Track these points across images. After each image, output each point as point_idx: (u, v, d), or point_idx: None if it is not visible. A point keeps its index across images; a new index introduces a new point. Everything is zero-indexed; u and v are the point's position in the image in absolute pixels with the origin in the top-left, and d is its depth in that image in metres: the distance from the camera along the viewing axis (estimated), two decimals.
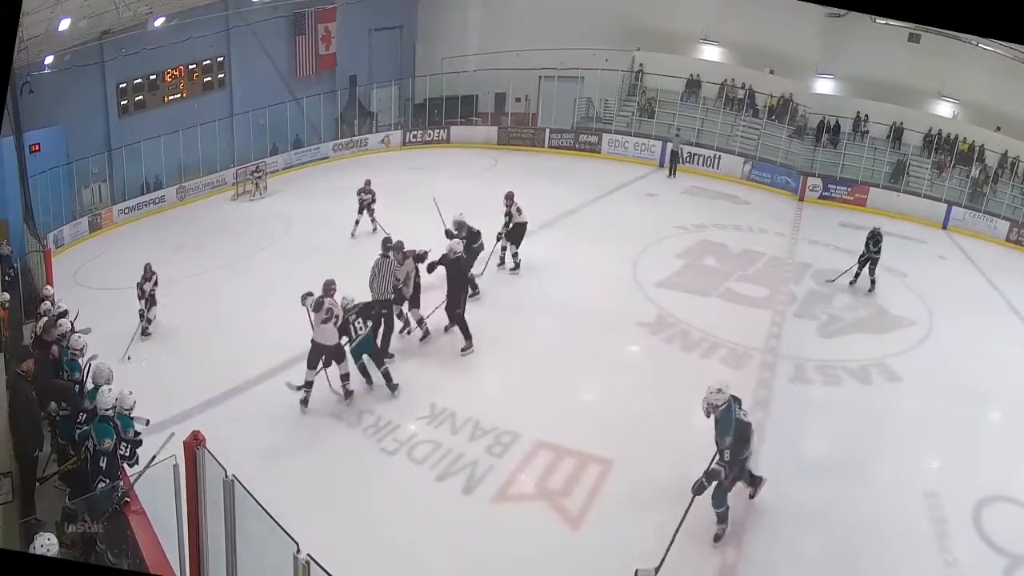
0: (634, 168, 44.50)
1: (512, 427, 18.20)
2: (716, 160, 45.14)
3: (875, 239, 28.58)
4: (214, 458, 10.00)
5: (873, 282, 28.66)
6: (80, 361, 15.38)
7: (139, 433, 13.01)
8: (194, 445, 10.11)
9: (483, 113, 53.45)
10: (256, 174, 42.54)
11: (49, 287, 21.90)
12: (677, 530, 14.54)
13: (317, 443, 18.05)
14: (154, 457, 11.32)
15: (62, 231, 36.29)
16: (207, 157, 43.63)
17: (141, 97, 42.09)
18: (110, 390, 12.62)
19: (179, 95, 43.63)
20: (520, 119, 52.65)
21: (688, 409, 19.85)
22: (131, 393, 13.14)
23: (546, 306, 25.25)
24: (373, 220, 32.52)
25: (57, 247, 34.20)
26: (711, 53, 49.25)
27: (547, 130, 50.38)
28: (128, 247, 34.39)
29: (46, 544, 9.89)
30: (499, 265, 27.43)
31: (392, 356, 20.85)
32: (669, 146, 45.71)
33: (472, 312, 24.38)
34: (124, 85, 41.15)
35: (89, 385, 14.53)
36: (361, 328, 19.33)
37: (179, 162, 42.51)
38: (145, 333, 24.70)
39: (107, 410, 12.44)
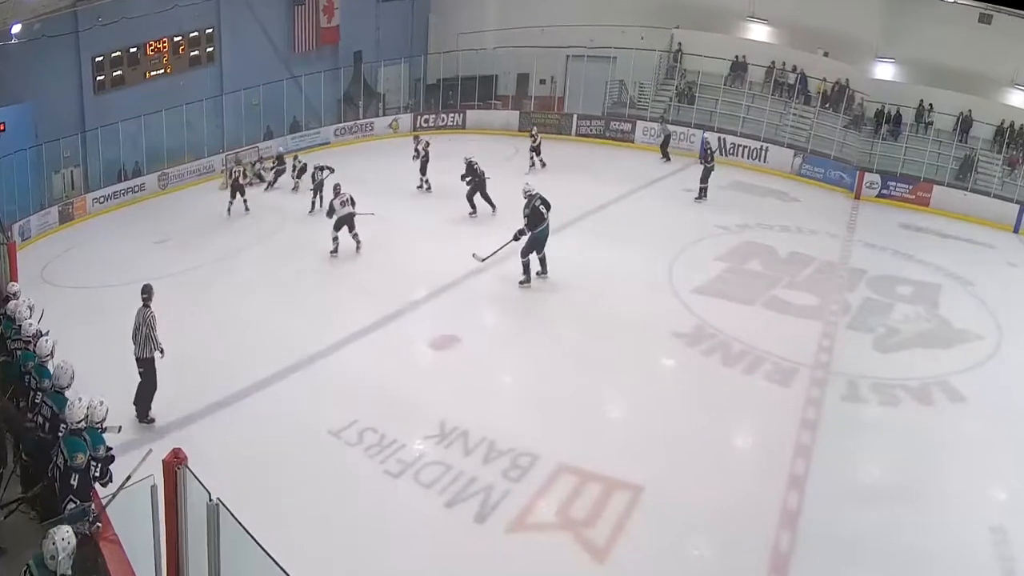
0: (671, 160, 44.33)
1: (531, 448, 18.14)
2: (763, 152, 45.18)
3: (709, 149, 36.48)
4: (196, 479, 9.86)
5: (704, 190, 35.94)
6: (49, 367, 15.30)
7: (111, 448, 12.60)
8: (174, 464, 10.02)
9: (503, 96, 53.56)
10: (274, 161, 42.48)
11: (14, 283, 21.63)
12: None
13: (313, 463, 17.88)
14: (129, 477, 10.97)
15: (29, 222, 35.91)
16: (193, 141, 43.47)
17: (120, 72, 41.83)
18: (80, 400, 12.38)
19: (162, 70, 43.46)
20: (544, 103, 52.82)
21: (728, 431, 19.91)
22: (101, 403, 12.73)
23: (571, 312, 25.37)
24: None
25: (23, 239, 33.74)
26: (759, 32, 49.37)
27: (574, 116, 50.49)
28: (103, 241, 34.51)
29: (66, 537, 9.84)
30: None
31: (153, 420, 19.39)
32: (658, 131, 46.32)
33: (489, 316, 24.70)
34: (101, 58, 40.88)
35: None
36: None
37: (161, 146, 42.18)
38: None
39: (78, 423, 12.18)
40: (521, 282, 27.23)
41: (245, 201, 37.06)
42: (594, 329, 24.29)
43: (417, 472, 17.49)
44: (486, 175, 34.15)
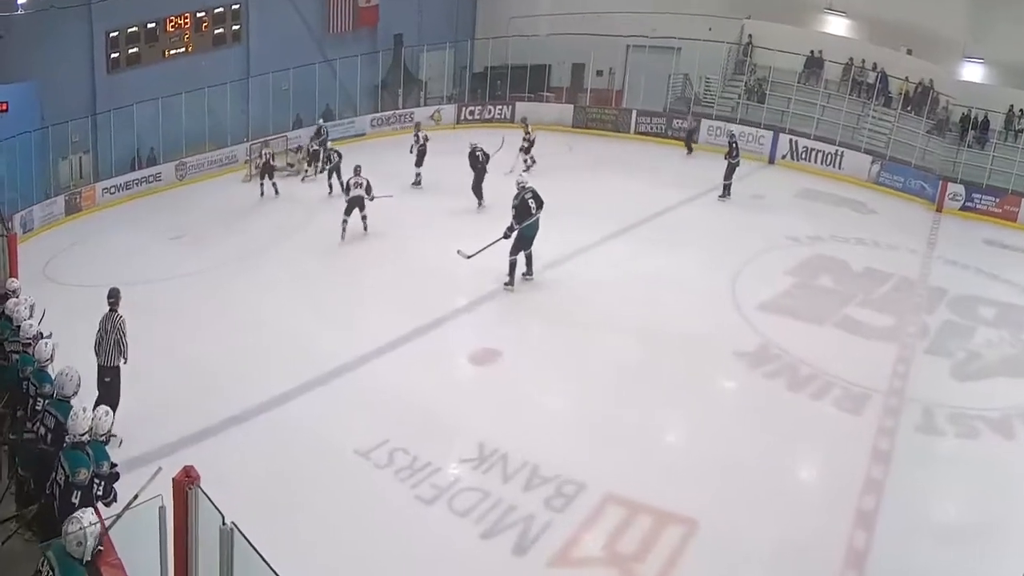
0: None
1: (577, 475, 17.92)
2: (838, 157, 44.74)
3: (734, 143, 36.99)
4: (209, 500, 9.77)
5: (728, 187, 36.49)
6: (50, 371, 15.13)
7: (115, 465, 12.53)
8: (185, 483, 9.90)
9: (557, 88, 53.60)
10: (314, 138, 42.36)
11: (14, 280, 21.29)
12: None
13: (337, 486, 17.70)
14: (135, 496, 10.76)
15: (31, 212, 35.82)
16: (215, 128, 43.50)
17: (136, 50, 41.79)
18: (84, 410, 12.23)
19: (183, 49, 43.50)
20: (601, 97, 52.70)
21: (793, 461, 19.67)
22: (107, 414, 12.61)
23: (624, 327, 25.11)
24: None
25: (25, 231, 33.76)
26: (836, 26, 49.26)
27: (633, 112, 50.27)
28: (112, 235, 34.51)
29: (93, 521, 9.67)
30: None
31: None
32: (686, 123, 47.02)
33: (534, 328, 25.12)
34: (115, 34, 40.82)
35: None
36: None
37: (180, 133, 41.97)
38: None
39: (82, 435, 12.02)
40: (505, 284, 27.61)
41: (275, 184, 38.15)
42: (649, 345, 24.16)
43: (451, 499, 17.29)
44: (488, 162, 35.47)
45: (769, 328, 25.59)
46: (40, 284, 27.11)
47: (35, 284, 25.34)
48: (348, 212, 31.51)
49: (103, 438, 12.42)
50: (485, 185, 35.27)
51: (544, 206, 27.37)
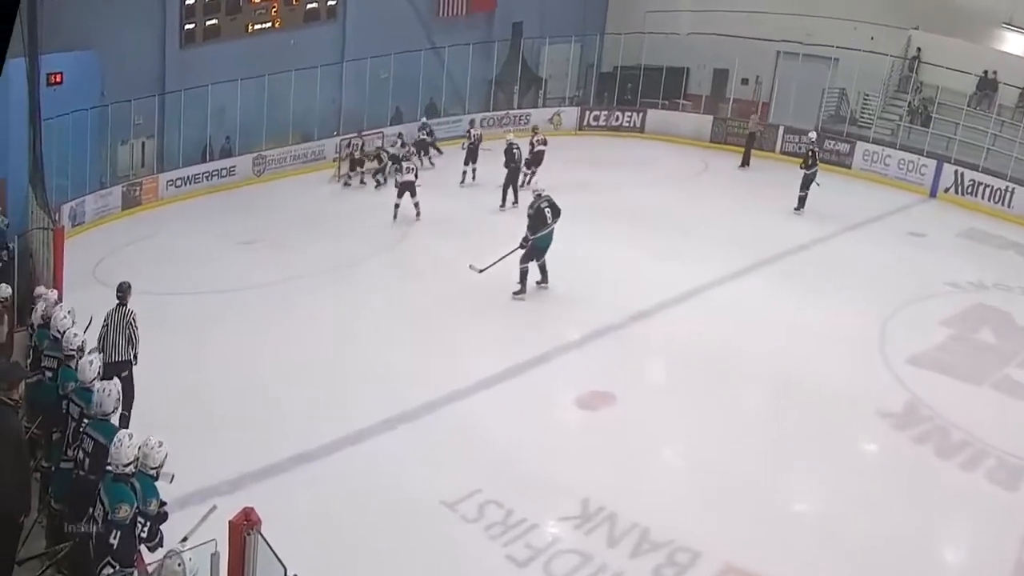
0: (895, 194, 43.88)
1: (692, 542, 17.64)
2: (1008, 194, 43.42)
3: (812, 151, 37.64)
4: (270, 548, 9.76)
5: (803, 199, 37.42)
6: (95, 390, 14.80)
7: (164, 503, 12.29)
8: (244, 527, 9.81)
9: (694, 96, 53.22)
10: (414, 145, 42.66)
11: (42, 287, 20.88)
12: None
13: (418, 540, 17.54)
14: (185, 539, 10.91)
15: (83, 203, 35.99)
16: (301, 117, 43.65)
17: (215, 22, 41.88)
18: (130, 437, 11.91)
19: (269, 24, 43.59)
20: (745, 109, 51.98)
21: (935, 538, 19.37)
22: (160, 444, 12.24)
23: (755, 375, 25.00)
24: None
25: (74, 225, 34.07)
26: (1015, 43, 48.26)
27: (780, 128, 49.69)
28: (175, 236, 34.88)
29: (193, 558, 9.88)
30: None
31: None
32: (750, 125, 47.15)
33: (655, 371, 25.38)
34: (192, 1, 40.82)
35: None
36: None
37: (260, 121, 42.23)
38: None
39: (127, 466, 11.72)
40: (515, 293, 29.63)
41: (363, 174, 40.20)
42: (782, 398, 23.95)
43: (548, 561, 17.09)
44: (523, 163, 37.71)
45: (919, 385, 25.05)
46: (89, 287, 27.09)
47: (83, 286, 25.55)
48: (400, 195, 34.49)
49: (154, 472, 12.16)
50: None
51: (560, 215, 29.58)
